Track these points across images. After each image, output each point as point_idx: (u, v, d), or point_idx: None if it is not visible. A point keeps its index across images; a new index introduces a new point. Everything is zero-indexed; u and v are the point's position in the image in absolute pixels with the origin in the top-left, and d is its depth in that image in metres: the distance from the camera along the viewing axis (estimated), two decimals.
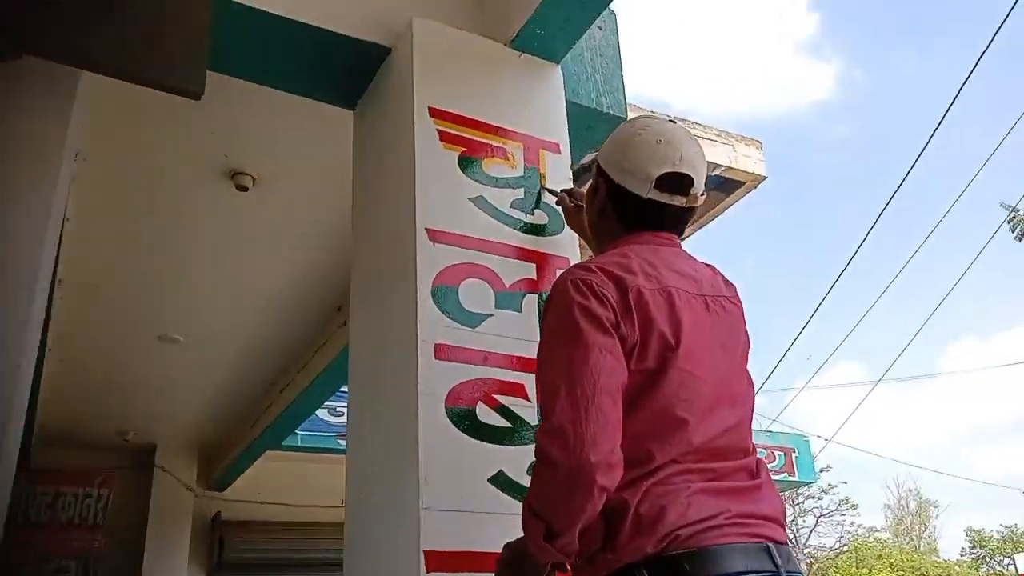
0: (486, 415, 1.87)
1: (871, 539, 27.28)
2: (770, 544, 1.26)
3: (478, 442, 1.83)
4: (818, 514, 26.98)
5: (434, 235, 2.01)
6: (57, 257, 2.67)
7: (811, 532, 27.06)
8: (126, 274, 4.12)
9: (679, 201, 1.51)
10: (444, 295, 1.95)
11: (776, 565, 1.24)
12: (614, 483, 1.21)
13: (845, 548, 26.52)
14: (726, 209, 8.37)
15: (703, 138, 8.11)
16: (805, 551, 26.32)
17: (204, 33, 1.69)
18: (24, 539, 5.80)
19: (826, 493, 26.46)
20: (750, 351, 1.52)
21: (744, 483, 1.33)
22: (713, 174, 7.89)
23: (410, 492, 1.73)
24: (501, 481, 1.79)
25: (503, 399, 1.89)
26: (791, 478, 8.63)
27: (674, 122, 1.60)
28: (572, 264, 2.00)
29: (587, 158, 1.78)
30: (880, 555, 25.07)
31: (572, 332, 1.30)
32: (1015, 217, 17.70)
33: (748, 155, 8.53)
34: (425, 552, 1.66)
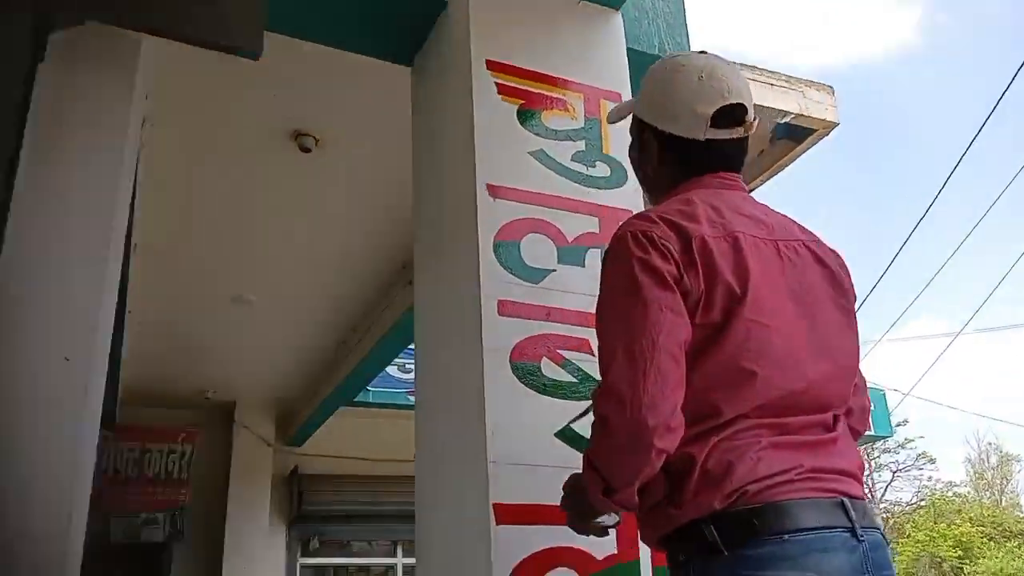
0: (551, 370, 1.86)
1: (950, 494, 26.61)
2: (845, 499, 1.21)
3: (544, 397, 1.83)
4: (895, 469, 26.40)
5: (494, 190, 1.99)
6: (131, 222, 2.75)
7: (887, 487, 26.52)
8: (198, 237, 4.24)
9: (737, 133, 1.44)
10: (506, 251, 1.94)
11: (851, 520, 1.19)
12: (673, 445, 1.18)
13: (923, 503, 25.94)
14: (797, 157, 8.09)
15: (771, 85, 7.83)
16: (881, 506, 25.85)
17: None
18: (114, 492, 6.12)
19: (903, 447, 25.84)
20: (851, 299, 1.43)
21: (818, 437, 1.28)
22: (782, 122, 7.63)
23: (478, 446, 1.75)
24: (568, 435, 1.80)
25: (567, 354, 1.89)
26: (867, 432, 8.45)
27: (704, 53, 1.52)
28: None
29: (616, 110, 1.70)
30: (959, 510, 24.46)
31: (631, 288, 1.25)
32: None
33: (819, 101, 8.19)
34: (494, 505, 1.69)
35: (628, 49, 2.44)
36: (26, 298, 1.52)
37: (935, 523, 23.40)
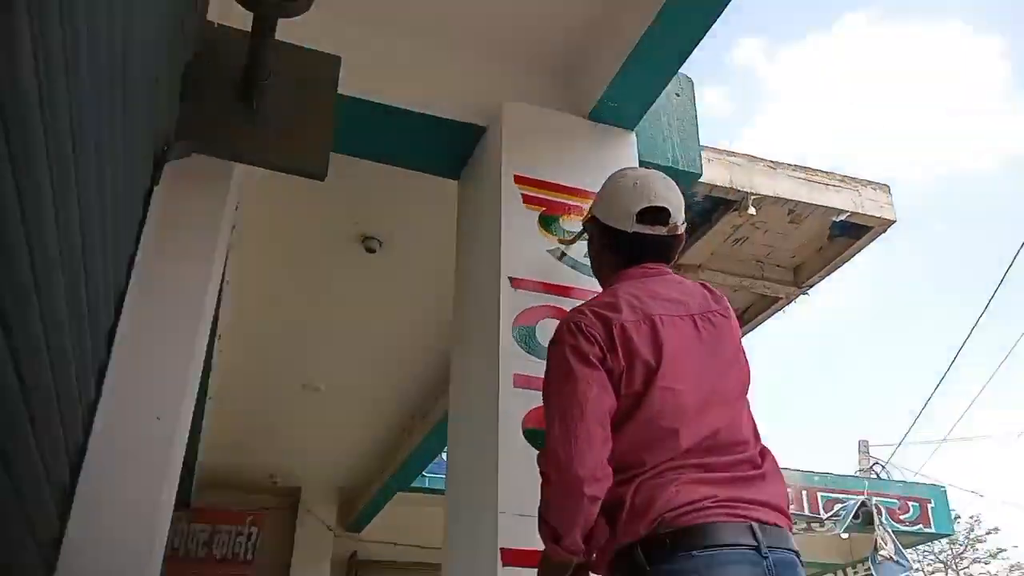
0: None
1: None
2: (754, 524, 1.45)
3: None
4: None
5: (516, 283, 2.36)
6: (216, 314, 3.19)
7: None
8: (274, 329, 4.71)
9: (660, 231, 1.78)
10: (523, 333, 2.29)
11: (757, 540, 1.42)
12: (601, 492, 1.48)
13: None
14: (856, 253, 8.21)
15: (826, 185, 8.10)
16: None
17: (329, 127, 2.14)
18: (183, 570, 6.47)
19: (995, 557, 24.22)
20: (746, 360, 1.73)
21: (743, 473, 1.54)
22: (839, 220, 7.82)
23: (491, 498, 2.05)
24: None
25: None
26: (926, 530, 8.20)
27: (647, 168, 1.89)
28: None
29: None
30: None
31: (565, 369, 1.58)
32: None
33: (874, 199, 8.39)
34: (501, 549, 1.97)
35: (643, 161, 2.82)
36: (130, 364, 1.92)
37: None
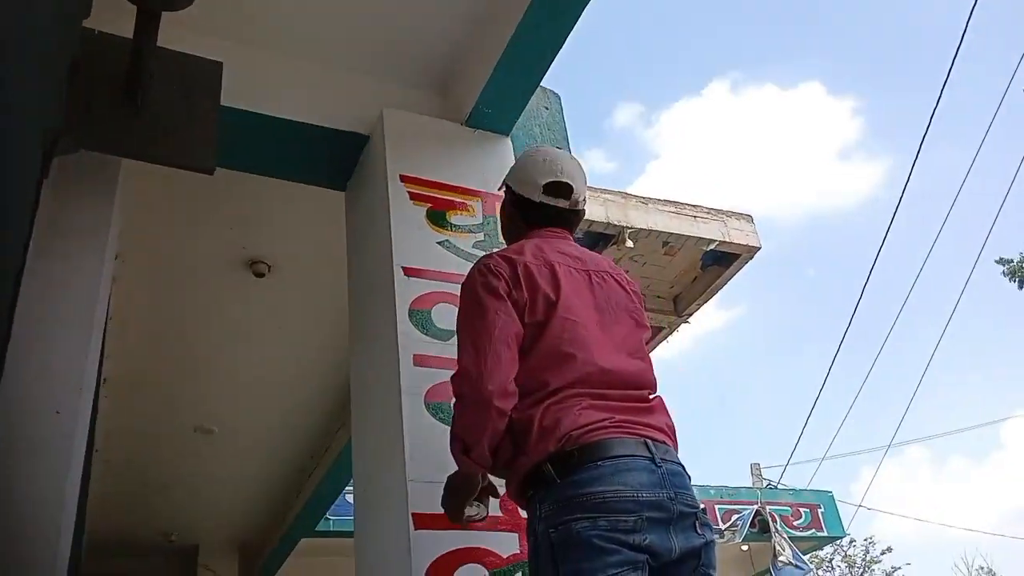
0: None
1: None
2: (647, 440, 1.65)
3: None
4: None
5: (408, 271, 2.48)
6: (102, 355, 3.11)
7: None
8: (161, 367, 4.59)
9: (562, 204, 2.00)
10: (419, 316, 2.40)
11: (651, 452, 1.63)
12: (509, 406, 1.65)
13: None
14: (728, 280, 8.72)
15: (694, 216, 8.57)
16: None
17: (213, 126, 2.21)
18: None
19: None
20: (642, 314, 1.95)
21: (635, 404, 1.74)
22: (708, 249, 8.31)
23: (399, 468, 2.13)
24: None
25: None
26: (819, 533, 8.67)
27: (557, 148, 2.09)
28: None
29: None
30: None
31: (476, 300, 1.78)
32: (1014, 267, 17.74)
33: (739, 228, 8.96)
34: (413, 514, 2.05)
35: None
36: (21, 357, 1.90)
37: None
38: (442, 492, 1.88)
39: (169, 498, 6.19)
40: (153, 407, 4.96)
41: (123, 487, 5.75)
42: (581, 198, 2.02)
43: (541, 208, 1.99)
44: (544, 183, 1.98)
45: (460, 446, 1.69)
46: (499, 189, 2.29)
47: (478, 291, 1.78)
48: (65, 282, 2.06)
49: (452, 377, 1.74)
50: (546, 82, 2.97)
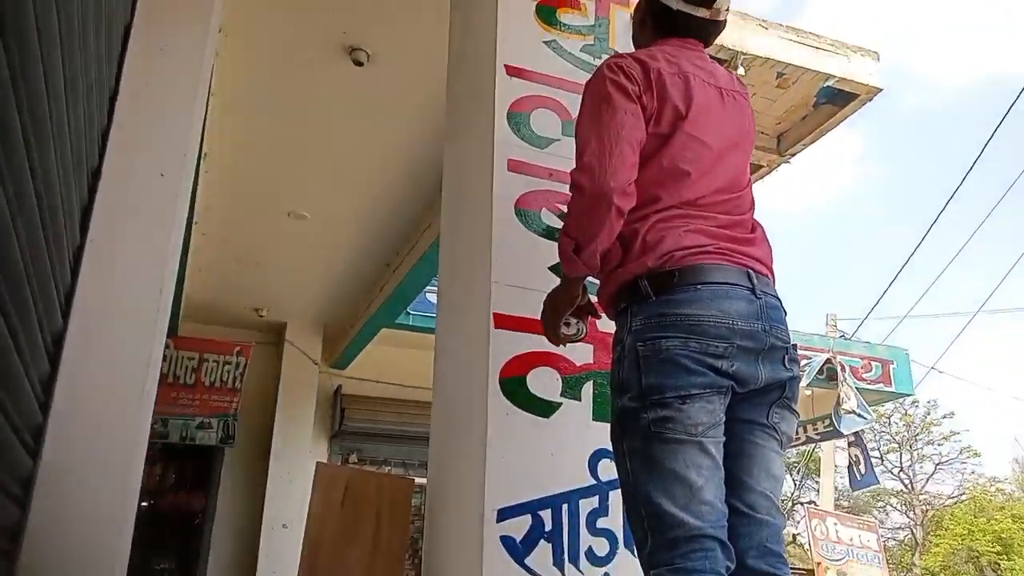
0: (548, 218, 2.25)
1: (992, 489, 26.14)
2: (750, 270, 1.60)
3: (540, 239, 2.21)
4: (937, 461, 26.04)
5: (511, 70, 2.36)
6: (203, 130, 3.13)
7: (929, 479, 26.21)
8: (259, 150, 4.65)
9: (703, 13, 1.82)
10: (517, 120, 2.31)
11: (752, 283, 1.58)
12: (627, 206, 1.59)
13: (963, 498, 25.56)
14: (839, 122, 8.19)
15: (816, 47, 7.94)
16: (921, 497, 25.57)
17: None
18: (171, 396, 6.69)
19: (947, 440, 25.50)
20: (752, 144, 1.84)
21: (739, 233, 1.68)
22: (826, 85, 7.74)
23: (485, 269, 2.13)
24: (557, 268, 2.16)
25: (563, 207, 2.24)
26: (887, 388, 8.64)
27: None
28: None
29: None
30: (1002, 507, 24.02)
31: (605, 97, 1.66)
32: None
33: (863, 66, 8.30)
34: (494, 314, 2.08)
35: None
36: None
37: (975, 518, 23.06)
38: (540, 308, 1.86)
39: (261, 276, 6.50)
40: (249, 188, 5.08)
41: (218, 262, 6.05)
42: (724, 7, 1.84)
43: (678, 17, 1.83)
44: None
45: (572, 245, 1.64)
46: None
47: (608, 88, 1.67)
48: (173, 45, 2.03)
49: (573, 171, 1.66)
50: None
